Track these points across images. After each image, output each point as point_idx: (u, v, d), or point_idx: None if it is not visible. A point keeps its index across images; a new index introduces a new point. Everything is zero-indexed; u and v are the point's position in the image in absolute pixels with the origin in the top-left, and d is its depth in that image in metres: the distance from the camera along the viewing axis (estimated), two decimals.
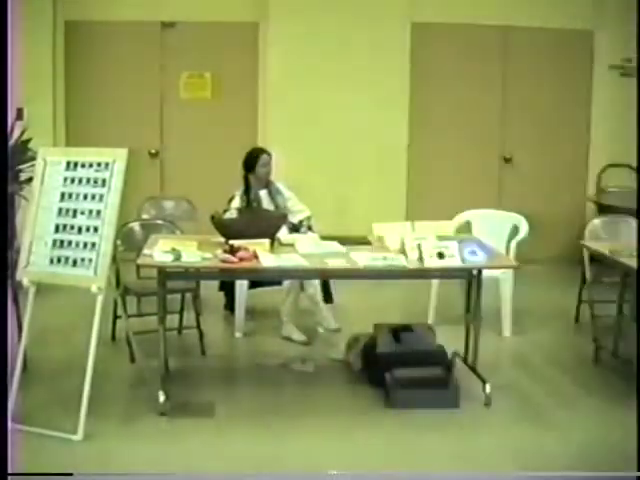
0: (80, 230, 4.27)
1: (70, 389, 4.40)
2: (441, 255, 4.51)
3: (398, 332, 4.96)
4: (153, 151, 8.09)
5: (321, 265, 4.58)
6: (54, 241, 4.30)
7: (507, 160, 8.33)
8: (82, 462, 3.84)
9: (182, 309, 5.64)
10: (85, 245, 4.25)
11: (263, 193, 5.79)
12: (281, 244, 4.90)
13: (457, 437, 4.23)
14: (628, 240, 5.45)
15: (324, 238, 5.03)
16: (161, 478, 3.77)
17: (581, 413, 4.53)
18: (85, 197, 4.30)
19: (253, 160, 5.77)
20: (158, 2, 7.91)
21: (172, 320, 5.36)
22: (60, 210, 4.32)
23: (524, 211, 6.32)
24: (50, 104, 7.67)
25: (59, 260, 4.28)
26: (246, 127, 8.01)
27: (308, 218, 5.85)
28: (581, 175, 8.36)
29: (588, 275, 5.74)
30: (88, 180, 4.31)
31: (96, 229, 4.24)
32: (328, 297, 5.87)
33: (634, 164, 7.60)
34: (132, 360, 5.06)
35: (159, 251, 4.50)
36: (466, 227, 6.02)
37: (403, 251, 4.64)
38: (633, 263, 4.69)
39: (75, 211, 4.30)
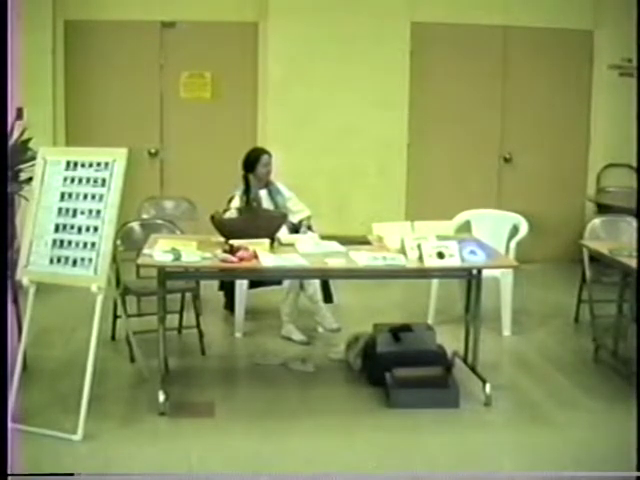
0: (80, 230, 4.27)
1: (70, 389, 4.41)
2: (441, 255, 4.51)
3: (398, 332, 4.96)
4: (153, 151, 8.08)
5: (321, 265, 4.58)
6: (54, 241, 4.31)
7: (507, 160, 8.33)
8: (82, 462, 3.84)
9: (182, 309, 5.64)
10: (85, 245, 4.25)
11: (263, 193, 5.79)
12: (281, 244, 4.90)
13: (457, 437, 4.23)
14: (628, 240, 5.45)
15: (324, 238, 5.03)
16: (161, 478, 3.77)
17: (581, 413, 4.53)
18: (85, 197, 4.30)
19: (253, 160, 5.77)
20: (158, 2, 7.90)
21: (172, 320, 5.36)
22: (60, 210, 4.33)
23: (524, 211, 6.32)
24: (50, 104, 7.66)
25: (59, 260, 4.29)
26: (246, 127, 8.01)
27: (308, 218, 5.85)
28: (581, 175, 8.36)
29: (588, 275, 5.75)
30: (88, 180, 4.32)
31: (96, 229, 4.24)
32: (328, 297, 5.87)
33: (634, 164, 7.60)
34: (132, 360, 5.06)
35: (159, 251, 4.50)
36: (466, 227, 6.02)
37: (403, 251, 4.64)
38: (633, 263, 4.68)
39: (75, 211, 4.30)
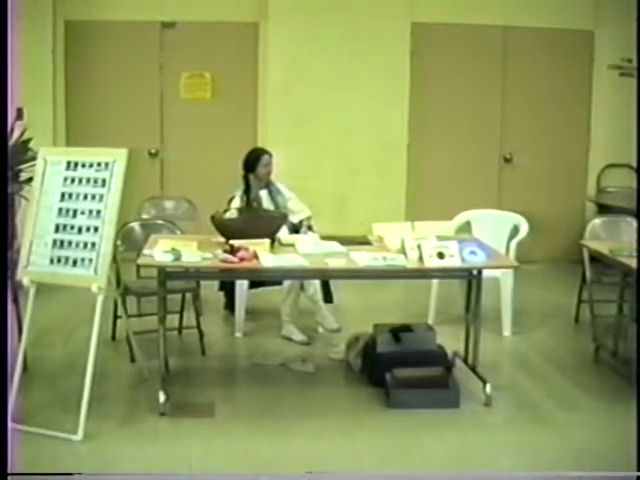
0: (80, 230, 4.27)
1: (70, 389, 4.41)
2: (441, 255, 4.51)
3: (398, 332, 4.97)
4: (153, 151, 8.09)
5: (321, 265, 4.58)
6: (54, 241, 4.30)
7: (507, 160, 8.33)
8: (82, 462, 3.84)
9: (182, 309, 5.64)
10: (85, 245, 4.25)
11: (263, 193, 5.79)
12: (281, 244, 4.90)
13: (457, 437, 4.23)
14: (628, 240, 5.46)
15: (324, 238, 5.03)
16: (161, 478, 3.77)
17: (581, 413, 4.53)
18: (85, 197, 4.30)
19: (254, 160, 5.77)
20: (158, 2, 7.90)
21: (172, 320, 5.36)
22: (60, 210, 4.33)
23: (524, 211, 6.32)
24: (50, 104, 7.67)
25: (59, 260, 4.29)
26: (246, 127, 8.01)
27: (308, 218, 5.85)
28: (581, 175, 8.36)
29: (588, 275, 5.75)
30: (88, 180, 4.32)
31: (96, 229, 4.24)
32: (328, 297, 5.87)
33: (634, 164, 7.61)
34: (132, 360, 5.06)
35: (159, 251, 4.50)
36: (466, 227, 6.02)
37: (403, 251, 4.64)
38: (633, 263, 4.69)
39: (75, 211, 4.30)
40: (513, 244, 5.92)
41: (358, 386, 4.88)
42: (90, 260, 4.23)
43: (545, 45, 8.12)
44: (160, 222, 5.81)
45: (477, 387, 4.67)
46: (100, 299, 4.19)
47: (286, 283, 5.69)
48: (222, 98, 8.05)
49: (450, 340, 5.15)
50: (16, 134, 6.48)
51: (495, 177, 8.36)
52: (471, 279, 4.83)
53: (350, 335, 5.29)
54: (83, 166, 4.34)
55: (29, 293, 4.30)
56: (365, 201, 7.90)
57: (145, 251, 4.62)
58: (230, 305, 6.02)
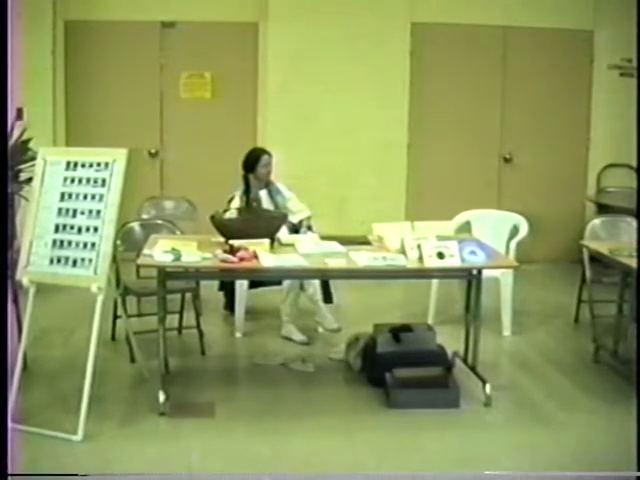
0: (80, 230, 4.28)
1: (70, 389, 4.41)
2: (441, 255, 4.51)
3: (398, 332, 4.97)
4: (153, 151, 8.09)
5: (321, 265, 4.58)
6: (54, 241, 4.31)
7: (507, 160, 8.33)
8: (82, 462, 3.84)
9: (182, 309, 5.64)
10: (85, 245, 4.25)
11: (263, 193, 5.79)
12: (281, 244, 4.90)
13: (457, 437, 4.23)
14: (628, 240, 5.46)
15: (324, 238, 5.03)
16: (161, 478, 3.77)
17: (581, 413, 4.53)
18: (85, 197, 4.30)
19: (253, 160, 5.77)
20: (158, 2, 7.91)
21: (172, 320, 5.36)
22: (60, 210, 4.33)
23: (524, 211, 6.32)
24: (50, 104, 7.67)
25: (59, 260, 4.29)
26: (246, 127, 8.01)
27: (308, 218, 5.85)
28: (581, 175, 8.36)
29: (588, 275, 5.75)
30: (88, 180, 4.32)
31: (96, 229, 4.24)
32: (328, 297, 5.87)
33: (634, 164, 7.60)
34: (132, 360, 5.06)
35: (159, 251, 4.50)
36: (466, 227, 6.02)
37: (403, 251, 4.64)
38: (633, 263, 4.69)
39: (75, 211, 4.30)
40: (513, 244, 5.92)
41: (358, 386, 4.88)
42: (90, 260, 4.23)
43: (545, 45, 8.12)
44: (160, 222, 5.82)
45: (477, 387, 4.67)
46: (100, 299, 4.19)
47: (286, 283, 5.69)
48: (222, 98, 8.05)
49: (450, 340, 5.15)
50: (16, 134, 6.48)
51: (495, 177, 8.36)
52: (471, 279, 4.84)
53: (350, 335, 5.29)
54: (83, 166, 4.34)
55: (29, 293, 4.30)
56: (365, 201, 7.90)
57: (145, 251, 4.62)
58: (230, 305, 6.02)
